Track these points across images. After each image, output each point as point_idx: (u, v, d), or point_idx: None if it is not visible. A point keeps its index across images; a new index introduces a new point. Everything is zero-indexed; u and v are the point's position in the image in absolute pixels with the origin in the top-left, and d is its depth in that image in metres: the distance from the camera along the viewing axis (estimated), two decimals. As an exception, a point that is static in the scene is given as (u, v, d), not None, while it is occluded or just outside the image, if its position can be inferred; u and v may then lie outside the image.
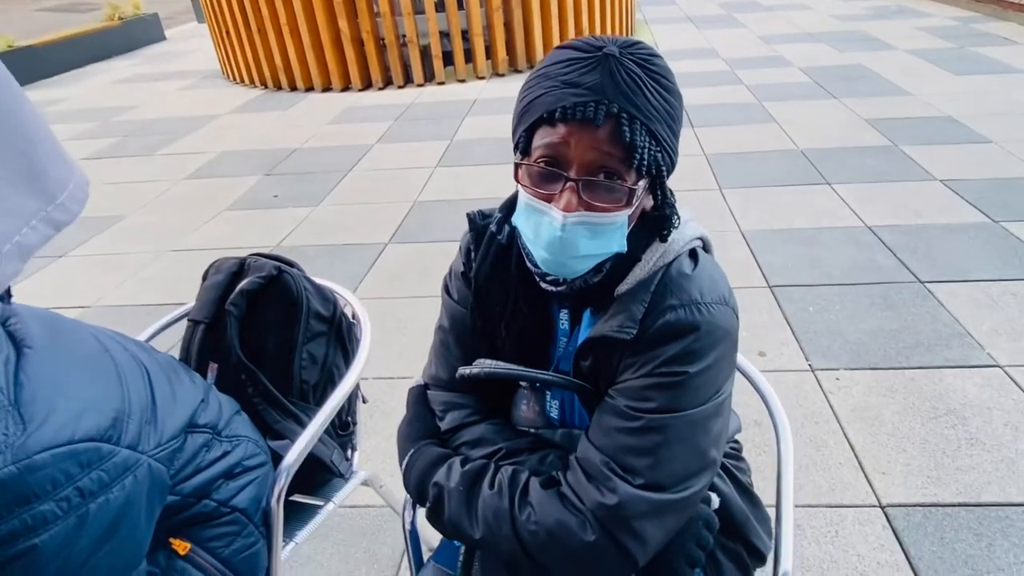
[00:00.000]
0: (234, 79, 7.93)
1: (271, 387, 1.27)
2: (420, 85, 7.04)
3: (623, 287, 0.87)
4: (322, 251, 3.61)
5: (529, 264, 0.91)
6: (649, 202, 0.88)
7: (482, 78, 7.11)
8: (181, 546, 0.98)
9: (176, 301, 1.45)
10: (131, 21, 10.71)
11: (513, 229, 0.91)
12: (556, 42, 7.06)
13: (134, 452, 0.80)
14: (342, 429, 1.47)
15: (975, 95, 5.28)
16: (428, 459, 0.96)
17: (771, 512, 1.09)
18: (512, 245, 0.95)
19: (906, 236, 3.27)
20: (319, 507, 1.37)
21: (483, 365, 0.93)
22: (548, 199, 0.81)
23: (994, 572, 1.65)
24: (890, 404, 2.22)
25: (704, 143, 4.73)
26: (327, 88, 7.16)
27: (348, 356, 1.42)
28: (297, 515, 1.35)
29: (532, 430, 1.00)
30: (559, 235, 0.81)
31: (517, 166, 0.85)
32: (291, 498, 1.37)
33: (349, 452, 1.50)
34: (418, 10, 6.72)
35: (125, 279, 3.49)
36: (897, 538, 1.76)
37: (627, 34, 8.36)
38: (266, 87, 7.47)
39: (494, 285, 0.96)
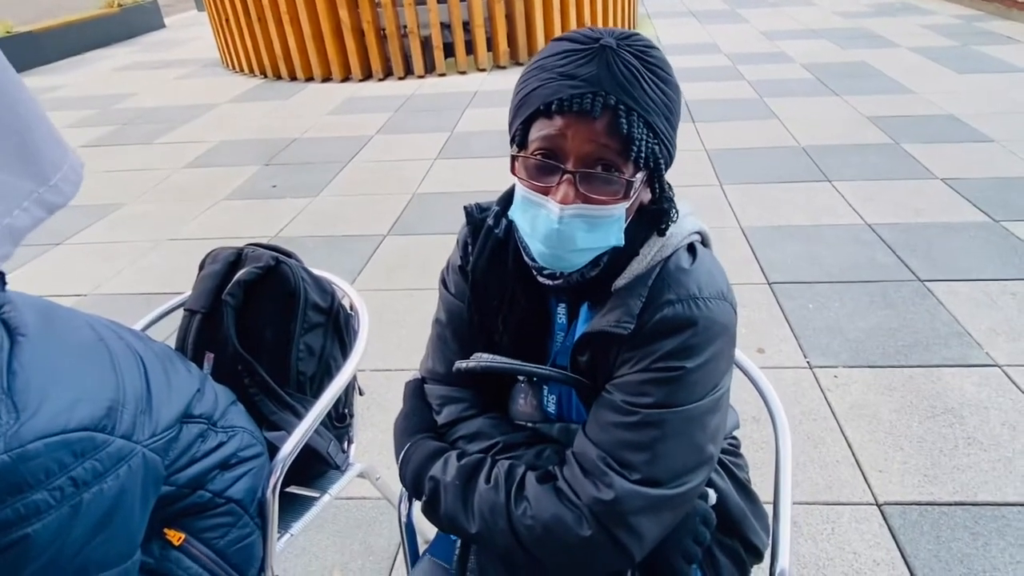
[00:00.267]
0: (234, 68, 7.90)
1: (268, 378, 1.27)
2: (421, 76, 7.01)
3: (620, 281, 0.86)
4: (320, 242, 3.60)
5: (526, 258, 0.90)
6: (647, 196, 0.87)
7: (483, 70, 7.08)
8: (175, 536, 0.97)
9: (173, 290, 1.44)
10: (130, 8, 10.66)
11: (510, 223, 0.90)
12: (558, 34, 7.02)
13: (128, 442, 0.80)
14: (339, 421, 1.47)
15: (978, 94, 5.26)
16: (424, 453, 0.95)
17: (768, 509, 1.09)
18: (509, 239, 0.94)
19: (906, 234, 3.27)
20: (315, 499, 1.37)
21: (480, 359, 0.93)
22: (545, 192, 0.81)
23: (990, 571, 1.66)
24: (888, 402, 2.22)
25: (705, 138, 4.72)
26: (327, 78, 7.13)
27: (345, 348, 1.42)
28: (292, 506, 1.35)
29: (529, 424, 0.99)
30: (556, 228, 0.80)
31: (514, 159, 0.84)
32: (287, 489, 1.36)
33: (345, 444, 1.49)
34: (419, 1, 6.68)
35: (122, 267, 3.48)
36: (893, 536, 1.76)
37: (629, 28, 8.34)
38: (266, 76, 7.44)
39: (491, 279, 0.96)
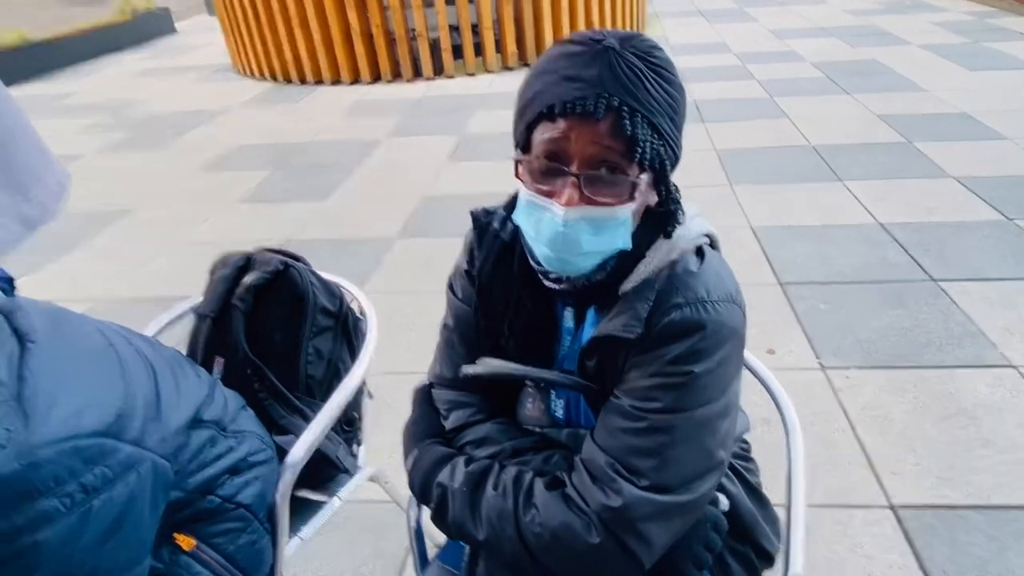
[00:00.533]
0: (244, 72, 7.95)
1: (277, 382, 1.27)
2: (429, 79, 7.02)
3: (628, 285, 0.86)
4: (330, 245, 3.61)
5: (532, 262, 0.90)
6: (653, 198, 0.87)
7: (492, 72, 7.09)
8: (186, 542, 0.97)
9: (184, 295, 1.45)
10: (142, 15, 10.74)
11: (516, 227, 0.90)
12: (567, 35, 7.01)
13: (138, 448, 0.80)
14: (348, 425, 1.47)
15: (990, 91, 5.21)
16: (432, 459, 0.95)
17: (779, 512, 1.08)
18: (515, 243, 0.94)
19: (919, 234, 3.24)
20: (324, 503, 1.37)
21: (487, 364, 0.93)
22: (549, 195, 0.80)
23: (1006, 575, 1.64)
24: (901, 403, 2.20)
25: (715, 138, 4.70)
26: (336, 81, 7.16)
27: (354, 351, 1.42)
28: (302, 511, 1.35)
29: (537, 429, 0.99)
30: (561, 231, 0.80)
31: (517, 163, 0.84)
32: (296, 494, 1.36)
33: (355, 448, 1.49)
34: (428, 3, 6.69)
35: (133, 272, 3.50)
36: (908, 539, 1.74)
37: (639, 28, 8.32)
38: (276, 80, 7.48)
39: (497, 283, 0.96)
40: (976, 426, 2.08)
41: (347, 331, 1.40)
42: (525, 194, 0.83)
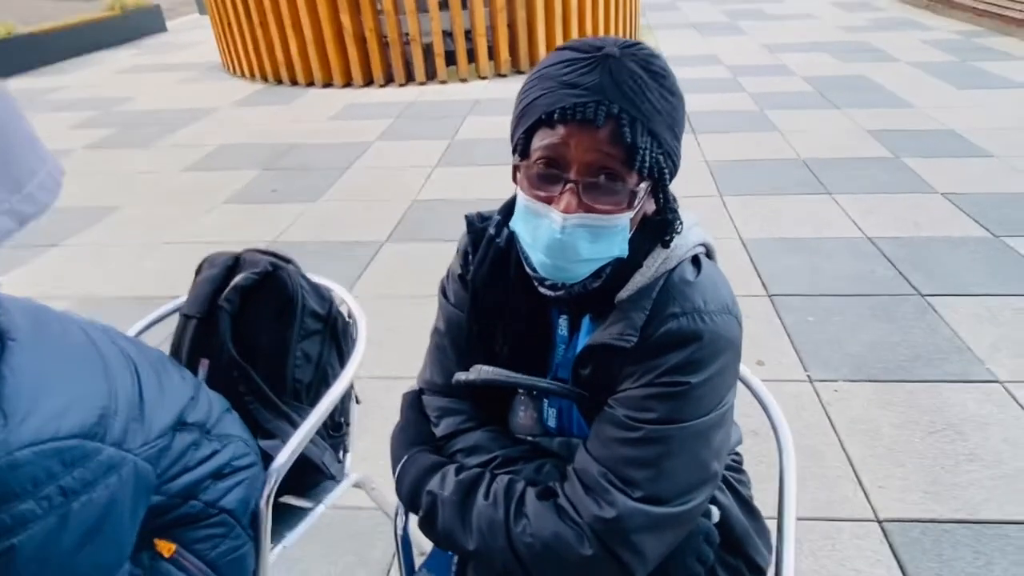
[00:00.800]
0: (235, 72, 7.90)
1: (263, 385, 1.25)
2: (422, 83, 7.02)
3: (624, 293, 0.85)
4: (319, 248, 3.58)
5: (527, 268, 0.89)
6: (651, 207, 0.86)
7: (484, 78, 7.09)
8: (166, 547, 0.95)
9: (169, 294, 1.42)
10: (132, 11, 10.66)
11: (512, 233, 0.88)
12: (559, 43, 7.03)
13: (119, 450, 0.78)
14: (335, 430, 1.45)
15: (977, 109, 5.28)
16: (422, 467, 0.93)
17: (769, 524, 1.07)
18: (511, 249, 0.92)
19: (907, 248, 3.26)
20: (309, 509, 1.35)
21: (481, 371, 0.91)
22: (547, 201, 0.79)
23: (991, 591, 1.64)
24: (889, 417, 2.20)
25: (706, 150, 4.72)
26: (328, 84, 7.13)
27: (343, 356, 1.40)
28: (286, 517, 1.32)
29: (529, 438, 0.97)
30: (559, 238, 0.79)
31: (516, 168, 0.83)
32: (280, 499, 1.34)
33: (341, 453, 1.47)
34: (422, 8, 6.69)
35: (118, 271, 3.46)
36: (894, 554, 1.74)
37: (632, 38, 8.37)
38: (267, 81, 7.44)
39: (491, 289, 0.94)
40: (963, 441, 2.09)
41: (336, 335, 1.38)
42: (523, 200, 0.82)
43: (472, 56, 7.06)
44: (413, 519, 1.01)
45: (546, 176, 0.79)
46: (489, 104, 6.15)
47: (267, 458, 1.15)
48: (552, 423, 0.97)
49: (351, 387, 1.41)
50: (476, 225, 0.97)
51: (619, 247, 0.82)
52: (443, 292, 1.03)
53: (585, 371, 0.88)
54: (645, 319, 0.83)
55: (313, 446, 1.30)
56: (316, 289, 1.36)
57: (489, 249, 0.94)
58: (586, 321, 0.91)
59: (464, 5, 6.72)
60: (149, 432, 0.85)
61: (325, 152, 5.09)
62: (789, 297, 2.91)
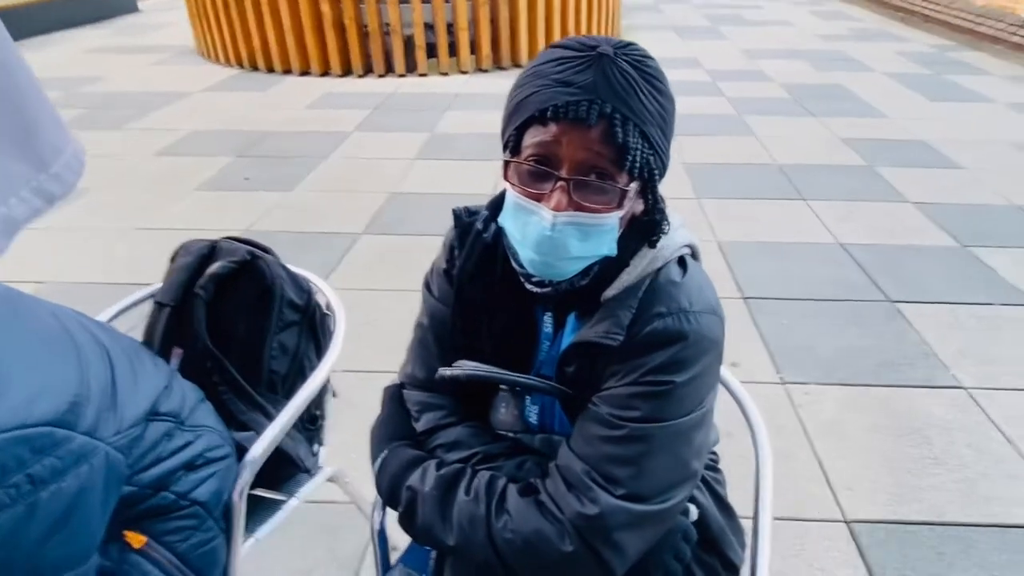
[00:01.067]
0: (209, 57, 7.75)
1: (238, 376, 1.22)
2: (401, 75, 6.96)
3: (610, 292, 0.85)
4: (293, 238, 3.53)
5: (515, 265, 0.88)
6: (639, 207, 0.87)
7: (465, 72, 7.06)
8: (136, 539, 0.93)
9: (140, 281, 1.39)
10: (104, -10, 10.41)
11: (500, 228, 0.88)
12: (542, 42, 7.04)
13: (91, 439, 0.76)
14: (310, 423, 1.43)
15: (949, 121, 5.39)
16: (402, 461, 0.92)
17: (743, 523, 1.08)
18: (498, 244, 0.92)
19: (878, 255, 3.32)
20: (281, 502, 1.33)
21: (464, 367, 0.90)
22: (538, 199, 0.79)
23: (953, 592, 1.68)
24: (858, 420, 2.24)
25: (683, 152, 4.75)
26: (305, 72, 7.04)
27: (320, 348, 1.38)
28: (258, 510, 1.30)
29: (510, 434, 0.97)
30: (548, 235, 0.79)
31: (506, 164, 0.82)
32: (253, 492, 1.31)
33: (315, 447, 1.45)
34: (403, -1, 6.64)
35: (87, 255, 3.37)
36: (861, 554, 1.77)
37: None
38: (242, 67, 7.31)
39: (477, 284, 0.94)
40: (928, 445, 2.13)
41: (314, 327, 1.36)
42: (513, 196, 0.82)
43: (453, 50, 7.02)
44: (390, 514, 1.00)
45: (537, 173, 0.79)
46: (469, 99, 6.12)
47: (241, 450, 1.13)
48: (534, 420, 0.96)
49: (328, 380, 1.39)
50: (463, 219, 0.96)
51: (608, 246, 0.82)
52: (427, 286, 1.02)
53: (570, 368, 0.87)
54: (631, 318, 0.83)
55: (288, 439, 1.28)
56: (295, 280, 1.33)
57: (476, 244, 0.93)
58: (571, 319, 0.91)
59: (446, -2, 6.68)
60: (121, 421, 0.82)
61: (301, 141, 5.03)
62: (763, 300, 2.95)
